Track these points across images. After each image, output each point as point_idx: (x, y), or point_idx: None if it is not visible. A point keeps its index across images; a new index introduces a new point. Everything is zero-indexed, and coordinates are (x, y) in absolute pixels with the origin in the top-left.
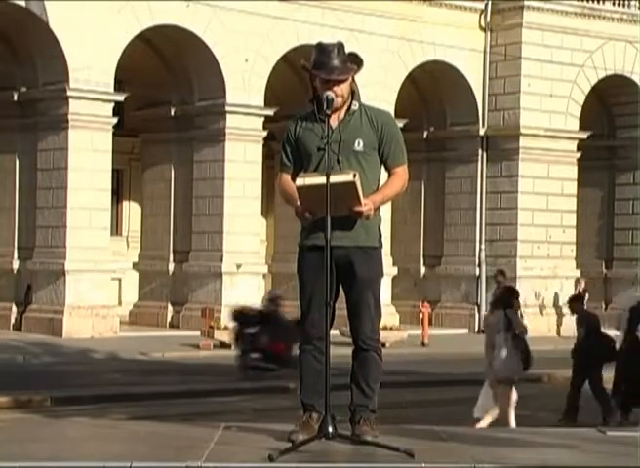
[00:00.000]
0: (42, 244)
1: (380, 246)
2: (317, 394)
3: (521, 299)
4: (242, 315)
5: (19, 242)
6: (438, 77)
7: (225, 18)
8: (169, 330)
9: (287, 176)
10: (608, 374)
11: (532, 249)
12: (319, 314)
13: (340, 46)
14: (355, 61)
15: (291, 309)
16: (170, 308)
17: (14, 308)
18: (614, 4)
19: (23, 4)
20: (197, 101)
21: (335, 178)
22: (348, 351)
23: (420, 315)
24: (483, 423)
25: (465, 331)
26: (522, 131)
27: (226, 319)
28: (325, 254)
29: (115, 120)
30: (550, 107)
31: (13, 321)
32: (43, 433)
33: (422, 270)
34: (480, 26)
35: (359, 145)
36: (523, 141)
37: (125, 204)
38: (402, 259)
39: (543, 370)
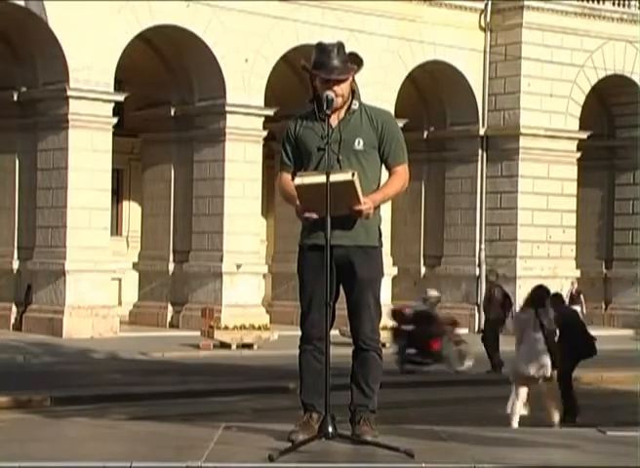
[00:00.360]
0: (42, 244)
1: (381, 245)
2: (317, 394)
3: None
4: (400, 314)
5: (19, 242)
6: (438, 77)
7: (225, 18)
8: (169, 330)
9: (287, 176)
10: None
11: (532, 249)
12: (319, 314)
13: (341, 46)
14: (355, 61)
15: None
16: (170, 308)
17: (14, 308)
18: (614, 4)
19: (23, 4)
20: (197, 101)
21: (334, 177)
22: (348, 351)
23: None
24: (514, 423)
25: (465, 331)
26: (522, 131)
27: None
28: (325, 254)
29: (115, 120)
30: (550, 107)
31: (13, 321)
32: (43, 433)
33: (422, 270)
34: (480, 26)
35: (359, 144)
36: (523, 141)
37: (125, 204)
38: (402, 259)
39: None
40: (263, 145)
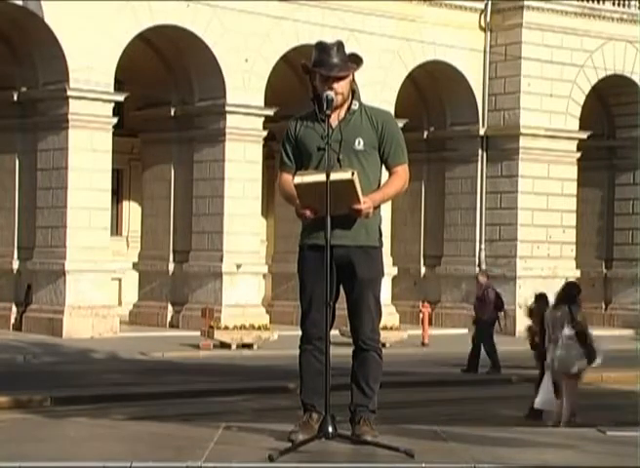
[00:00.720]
0: (42, 244)
1: (381, 245)
2: (317, 394)
3: (521, 300)
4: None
5: (19, 242)
6: (438, 77)
7: (225, 18)
8: (169, 330)
9: (287, 176)
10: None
11: (532, 249)
12: (319, 314)
13: (340, 44)
14: (355, 61)
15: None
16: (170, 308)
17: (14, 308)
18: (614, 4)
19: (21, 3)
20: (197, 101)
21: (333, 176)
22: (348, 351)
23: (420, 315)
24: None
25: (465, 331)
26: (522, 131)
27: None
28: (325, 254)
29: (115, 120)
30: (550, 107)
31: (13, 321)
32: (43, 433)
33: (422, 270)
34: (480, 26)
35: (359, 144)
36: (523, 141)
37: (125, 204)
38: (402, 259)
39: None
40: (263, 145)
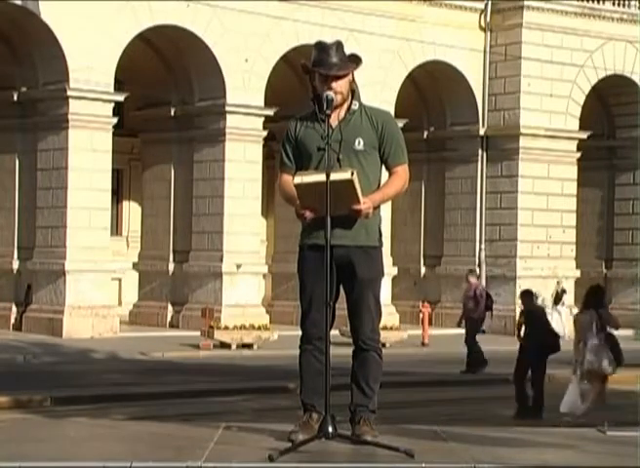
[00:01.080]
0: (42, 244)
1: (381, 245)
2: (317, 394)
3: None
4: None
5: (19, 242)
6: (438, 77)
7: (225, 18)
8: (169, 330)
9: (287, 177)
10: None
11: (532, 249)
12: (319, 314)
13: (339, 44)
14: (354, 61)
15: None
16: (170, 308)
17: (14, 308)
18: (614, 4)
19: (19, 2)
20: (197, 101)
21: (333, 176)
22: (348, 351)
23: (420, 315)
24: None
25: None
26: (522, 131)
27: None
28: (325, 254)
29: (115, 120)
30: (550, 107)
31: (13, 321)
32: (43, 433)
33: (422, 270)
34: (480, 26)
35: (359, 144)
36: (523, 141)
37: (125, 204)
38: (402, 259)
39: None
40: (263, 145)
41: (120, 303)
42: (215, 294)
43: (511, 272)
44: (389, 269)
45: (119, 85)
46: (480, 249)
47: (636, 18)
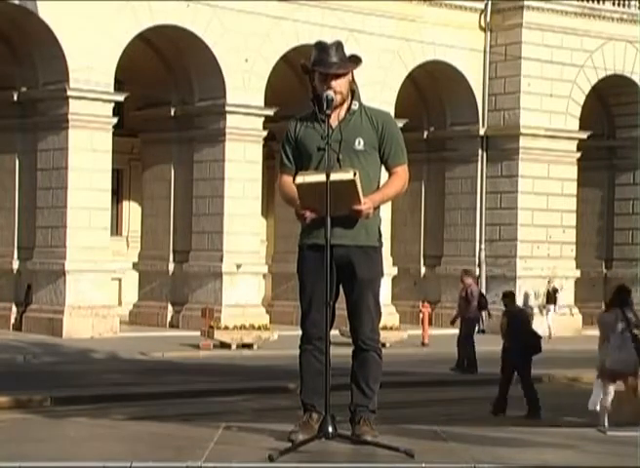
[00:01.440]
0: (42, 244)
1: (381, 245)
2: (317, 394)
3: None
4: None
5: (19, 242)
6: (438, 77)
7: (225, 18)
8: (169, 330)
9: (288, 178)
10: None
11: (532, 249)
12: (319, 314)
13: (339, 44)
14: (354, 61)
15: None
16: (170, 308)
17: (14, 308)
18: (614, 4)
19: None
20: (197, 101)
21: (335, 176)
22: (348, 351)
23: (420, 315)
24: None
25: None
26: (522, 131)
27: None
28: (325, 254)
29: (115, 120)
30: (550, 107)
31: (13, 321)
32: (43, 433)
33: (422, 270)
34: (480, 26)
35: (360, 144)
36: (523, 141)
37: (125, 204)
38: (402, 259)
39: (543, 370)
40: (263, 145)
41: (120, 303)
42: (215, 294)
43: (511, 272)
44: (389, 269)
45: (119, 85)
46: (480, 249)
47: (636, 18)
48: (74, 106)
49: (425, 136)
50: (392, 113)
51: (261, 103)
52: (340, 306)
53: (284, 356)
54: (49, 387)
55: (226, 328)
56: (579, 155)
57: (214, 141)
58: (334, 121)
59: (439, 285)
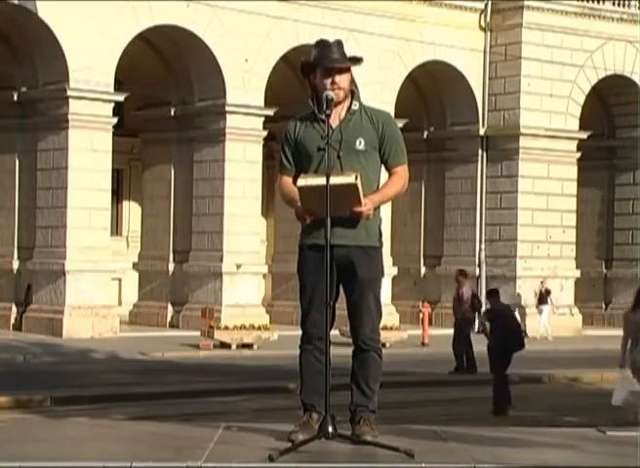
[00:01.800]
0: (42, 244)
1: (381, 245)
2: (317, 394)
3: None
4: None
5: (19, 242)
6: (438, 77)
7: (225, 18)
8: (169, 330)
9: (287, 179)
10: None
11: (532, 249)
12: (319, 314)
13: (340, 42)
14: (354, 60)
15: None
16: (170, 308)
17: (14, 308)
18: (614, 4)
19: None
20: (197, 101)
21: (337, 180)
22: (348, 351)
23: (420, 315)
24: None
25: None
26: (522, 131)
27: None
28: (325, 254)
29: (115, 120)
30: (550, 107)
31: (13, 321)
32: (43, 433)
33: (422, 270)
34: (480, 26)
35: (360, 144)
36: (523, 141)
37: (125, 204)
38: (402, 259)
39: (543, 370)
40: (263, 145)
41: (120, 303)
42: (215, 294)
43: (511, 272)
44: (389, 269)
45: (119, 85)
46: (480, 249)
47: (636, 18)
48: (74, 106)
49: (425, 136)
50: (392, 113)
51: (261, 103)
52: (341, 306)
53: (284, 356)
54: (49, 387)
55: (226, 328)
56: (579, 155)
57: (214, 141)
58: (334, 121)
59: (439, 285)
